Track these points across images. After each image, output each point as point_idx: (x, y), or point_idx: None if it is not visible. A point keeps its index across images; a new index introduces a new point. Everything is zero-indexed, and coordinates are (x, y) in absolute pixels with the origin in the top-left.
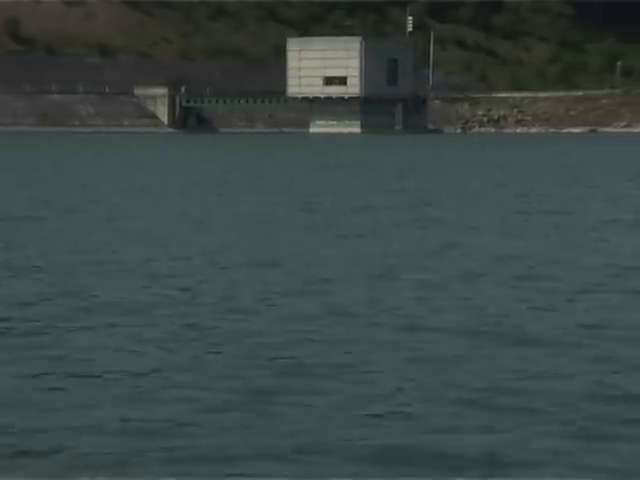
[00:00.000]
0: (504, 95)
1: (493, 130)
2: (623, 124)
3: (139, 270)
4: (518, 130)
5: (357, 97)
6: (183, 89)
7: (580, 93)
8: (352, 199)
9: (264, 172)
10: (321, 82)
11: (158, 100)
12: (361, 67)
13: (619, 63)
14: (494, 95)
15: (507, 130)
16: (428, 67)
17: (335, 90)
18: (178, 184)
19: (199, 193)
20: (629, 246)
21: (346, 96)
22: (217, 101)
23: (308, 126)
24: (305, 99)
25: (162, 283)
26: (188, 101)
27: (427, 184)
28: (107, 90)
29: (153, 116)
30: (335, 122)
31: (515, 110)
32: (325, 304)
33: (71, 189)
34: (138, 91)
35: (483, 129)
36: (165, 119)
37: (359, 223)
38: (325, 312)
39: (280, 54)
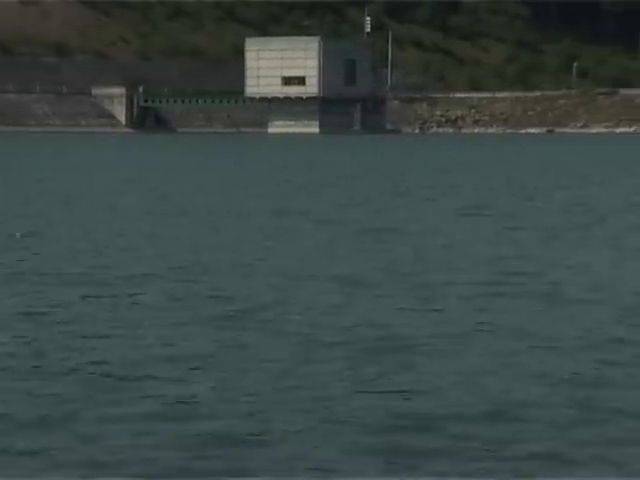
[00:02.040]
0: (462, 95)
1: (451, 130)
2: (580, 124)
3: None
4: (476, 130)
5: (315, 97)
6: (141, 89)
7: (537, 93)
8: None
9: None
10: (279, 82)
11: (116, 100)
12: (319, 67)
13: (575, 64)
14: (452, 95)
15: (465, 130)
16: (386, 67)
17: (293, 90)
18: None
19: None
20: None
21: (304, 96)
22: (175, 101)
23: (266, 126)
24: (263, 99)
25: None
26: (146, 101)
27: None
28: (64, 90)
29: (111, 116)
30: (293, 122)
31: (473, 110)
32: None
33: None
34: (95, 91)
35: (441, 129)
36: (123, 119)
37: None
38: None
39: (238, 54)
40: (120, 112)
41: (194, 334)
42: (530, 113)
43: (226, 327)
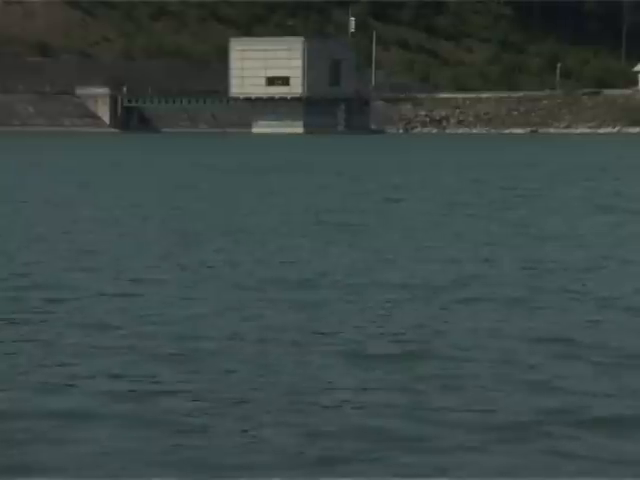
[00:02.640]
0: (446, 96)
1: (435, 131)
2: (563, 125)
3: None
4: (460, 131)
5: (299, 97)
6: (125, 89)
7: (521, 94)
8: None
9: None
10: (264, 82)
11: (99, 100)
12: (303, 67)
13: (559, 64)
14: (436, 96)
15: (449, 130)
16: (371, 67)
17: (278, 90)
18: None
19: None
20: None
21: (289, 96)
22: (159, 101)
23: (251, 126)
24: (248, 99)
25: None
26: (130, 101)
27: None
28: (48, 90)
29: (94, 116)
30: (278, 122)
31: (457, 111)
32: None
33: None
34: (79, 91)
35: (425, 129)
36: (107, 119)
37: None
38: None
39: (222, 54)
40: (104, 112)
41: (163, 335)
42: (514, 113)
43: (196, 329)
